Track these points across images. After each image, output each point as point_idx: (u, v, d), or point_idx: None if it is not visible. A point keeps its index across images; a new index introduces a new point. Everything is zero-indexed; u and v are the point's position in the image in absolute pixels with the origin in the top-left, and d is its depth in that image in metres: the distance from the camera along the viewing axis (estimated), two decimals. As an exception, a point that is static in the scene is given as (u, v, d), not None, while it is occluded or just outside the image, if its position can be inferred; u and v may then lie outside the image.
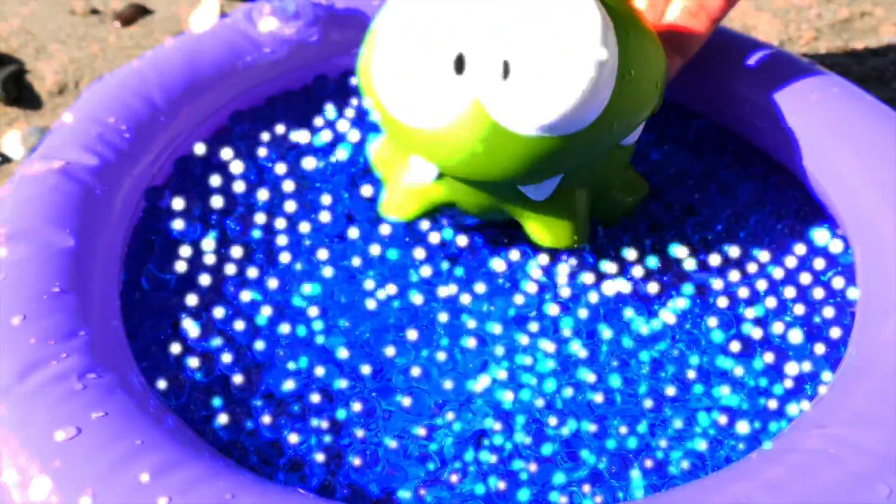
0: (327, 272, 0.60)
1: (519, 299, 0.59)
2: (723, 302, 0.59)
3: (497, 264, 0.61)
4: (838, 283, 0.60)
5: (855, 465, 0.44)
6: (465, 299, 0.59)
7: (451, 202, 0.61)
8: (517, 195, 0.59)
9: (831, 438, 0.46)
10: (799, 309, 0.59)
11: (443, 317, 0.58)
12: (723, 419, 0.53)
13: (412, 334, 0.56)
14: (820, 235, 0.63)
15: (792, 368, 0.55)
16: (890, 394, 0.48)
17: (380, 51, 0.57)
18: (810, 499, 0.43)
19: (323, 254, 0.61)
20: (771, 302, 0.59)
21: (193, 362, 0.55)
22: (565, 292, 0.59)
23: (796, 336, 0.57)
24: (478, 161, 0.55)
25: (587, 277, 0.59)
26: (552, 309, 0.59)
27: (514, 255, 0.62)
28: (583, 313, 0.58)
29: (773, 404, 0.54)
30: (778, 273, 0.61)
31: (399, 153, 0.62)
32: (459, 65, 0.54)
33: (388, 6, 0.58)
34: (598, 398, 0.54)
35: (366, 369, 0.55)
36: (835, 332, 0.57)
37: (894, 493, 0.43)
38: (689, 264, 0.61)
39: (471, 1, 0.54)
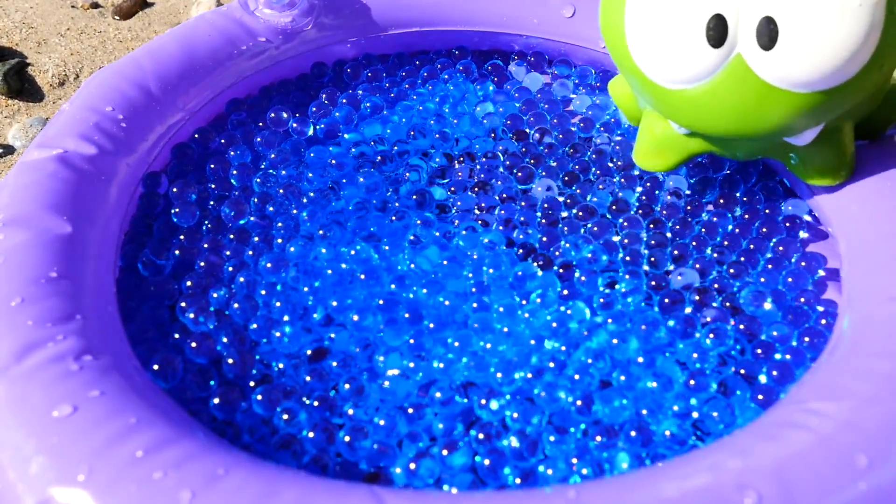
0: (321, 255, 0.60)
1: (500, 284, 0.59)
2: (707, 284, 0.60)
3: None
4: (818, 262, 0.61)
5: (835, 438, 0.44)
6: (452, 283, 0.59)
7: (710, 151, 0.59)
8: (780, 142, 0.57)
9: (813, 413, 0.46)
10: (781, 289, 0.59)
11: (432, 300, 0.58)
12: (702, 392, 0.53)
13: (403, 317, 0.56)
14: (799, 215, 0.64)
15: (772, 345, 0.55)
16: (871, 371, 0.48)
17: (633, 11, 0.53)
18: (793, 472, 0.43)
19: (317, 237, 0.62)
20: (753, 280, 0.60)
21: (189, 344, 0.55)
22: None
23: (776, 314, 0.57)
24: (740, 120, 0.53)
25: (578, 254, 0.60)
26: (537, 291, 0.59)
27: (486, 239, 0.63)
28: (565, 292, 0.58)
29: (752, 376, 0.54)
30: (761, 254, 0.62)
31: None
32: (720, 27, 0.50)
33: None
34: (577, 376, 0.54)
35: (357, 350, 0.55)
36: (815, 311, 0.58)
37: (874, 464, 0.43)
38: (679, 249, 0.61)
39: None
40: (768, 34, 0.49)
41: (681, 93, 0.54)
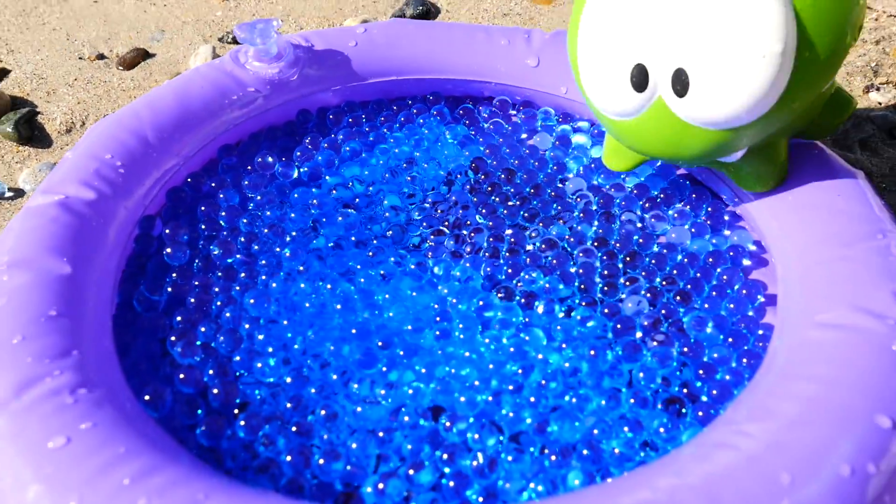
0: (300, 290, 0.62)
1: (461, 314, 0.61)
2: (656, 310, 0.61)
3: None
4: (757, 289, 0.62)
5: (762, 458, 0.45)
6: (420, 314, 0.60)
7: (658, 158, 0.63)
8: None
9: (742, 434, 0.47)
10: (723, 314, 0.61)
11: (403, 330, 0.59)
12: (648, 411, 0.54)
13: (376, 345, 0.58)
14: (743, 245, 0.65)
15: (713, 367, 0.57)
16: (797, 394, 0.49)
17: (581, 55, 0.59)
18: (722, 490, 0.44)
19: (297, 273, 0.63)
20: (698, 307, 0.61)
21: (179, 376, 0.56)
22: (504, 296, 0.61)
23: (717, 337, 0.59)
24: (667, 149, 0.58)
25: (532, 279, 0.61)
26: (497, 316, 0.60)
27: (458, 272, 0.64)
28: (526, 320, 0.60)
29: (695, 396, 0.56)
30: (707, 282, 0.63)
31: None
32: (642, 75, 0.55)
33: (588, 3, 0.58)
34: (533, 398, 0.55)
35: (334, 377, 0.57)
36: (753, 335, 0.59)
37: (796, 482, 0.44)
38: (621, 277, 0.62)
39: (652, 11, 0.54)
40: (681, 83, 0.54)
41: (619, 123, 0.60)
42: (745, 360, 0.57)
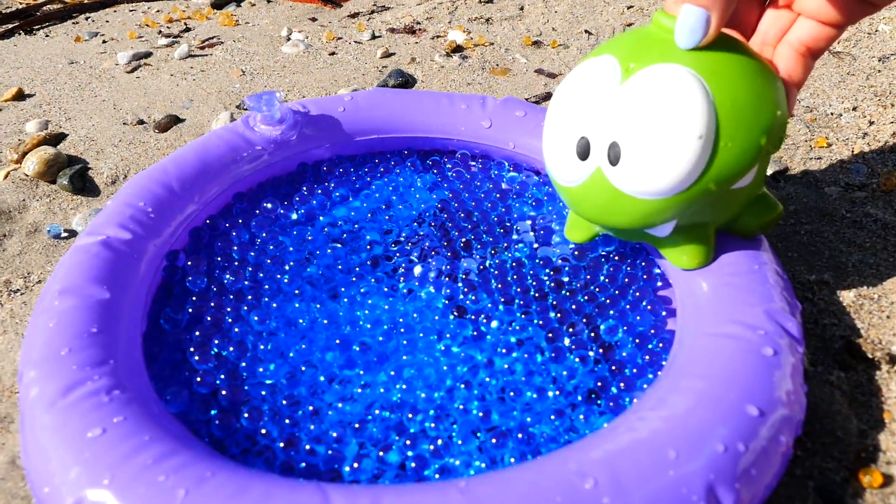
0: (295, 309, 0.64)
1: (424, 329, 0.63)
2: (578, 320, 0.63)
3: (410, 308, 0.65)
4: (663, 303, 0.65)
5: (655, 438, 0.47)
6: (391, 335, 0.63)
7: (606, 232, 0.63)
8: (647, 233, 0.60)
9: (644, 420, 0.50)
10: (633, 321, 0.63)
11: (377, 340, 0.62)
12: (571, 401, 0.57)
13: (355, 353, 0.60)
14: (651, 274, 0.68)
15: (624, 364, 0.59)
16: (689, 389, 0.51)
17: (545, 126, 0.60)
18: (622, 463, 0.46)
19: (293, 295, 0.65)
20: (615, 317, 0.63)
21: (196, 379, 0.58)
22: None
23: (627, 340, 0.61)
24: (603, 214, 0.57)
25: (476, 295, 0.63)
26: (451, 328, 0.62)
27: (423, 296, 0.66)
28: (475, 332, 0.62)
29: (607, 388, 0.58)
30: (623, 298, 0.66)
31: None
32: (585, 146, 0.55)
33: (556, 90, 0.60)
34: (477, 392, 0.57)
35: (322, 378, 0.59)
36: (658, 338, 0.61)
37: (680, 457, 0.46)
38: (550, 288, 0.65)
39: (596, 94, 0.54)
40: (614, 154, 0.54)
41: (567, 189, 0.59)
42: (646, 357, 0.59)
